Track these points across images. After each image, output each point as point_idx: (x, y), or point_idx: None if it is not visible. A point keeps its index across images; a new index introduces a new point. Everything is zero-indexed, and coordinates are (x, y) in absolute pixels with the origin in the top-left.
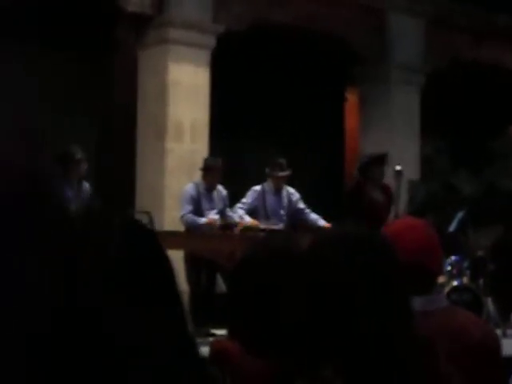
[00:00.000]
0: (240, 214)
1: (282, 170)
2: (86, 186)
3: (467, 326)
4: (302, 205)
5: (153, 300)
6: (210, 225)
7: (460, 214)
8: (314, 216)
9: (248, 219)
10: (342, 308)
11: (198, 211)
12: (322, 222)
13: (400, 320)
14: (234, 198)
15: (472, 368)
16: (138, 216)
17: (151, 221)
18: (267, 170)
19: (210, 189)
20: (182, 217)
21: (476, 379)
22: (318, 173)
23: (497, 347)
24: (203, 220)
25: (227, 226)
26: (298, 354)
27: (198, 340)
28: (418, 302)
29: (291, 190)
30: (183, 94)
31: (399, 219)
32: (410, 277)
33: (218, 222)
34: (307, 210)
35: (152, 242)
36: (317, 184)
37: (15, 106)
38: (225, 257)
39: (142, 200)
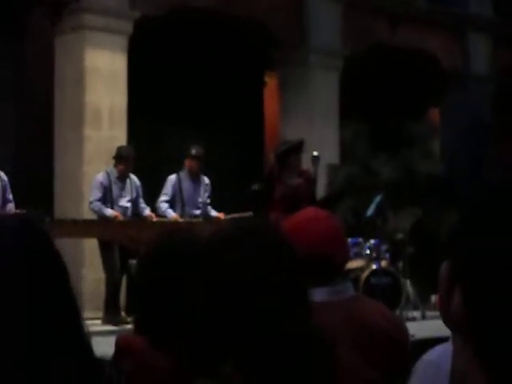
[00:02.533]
0: (163, 210)
1: (196, 152)
2: (2, 175)
3: (373, 315)
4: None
5: (43, 298)
6: (115, 218)
7: (378, 198)
8: (209, 208)
9: (171, 214)
10: (239, 305)
11: (109, 199)
12: (214, 213)
13: (299, 314)
14: (154, 184)
15: (378, 358)
16: (32, 215)
17: (43, 221)
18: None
19: (121, 177)
20: (91, 203)
21: (382, 369)
22: (238, 157)
23: (404, 337)
24: (110, 212)
25: (139, 216)
26: (197, 350)
27: (114, 328)
28: (322, 293)
29: (207, 180)
30: (101, 81)
31: (301, 211)
32: (313, 268)
33: (129, 213)
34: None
35: (43, 241)
36: (237, 169)
37: None
38: (142, 244)
39: (61, 187)
